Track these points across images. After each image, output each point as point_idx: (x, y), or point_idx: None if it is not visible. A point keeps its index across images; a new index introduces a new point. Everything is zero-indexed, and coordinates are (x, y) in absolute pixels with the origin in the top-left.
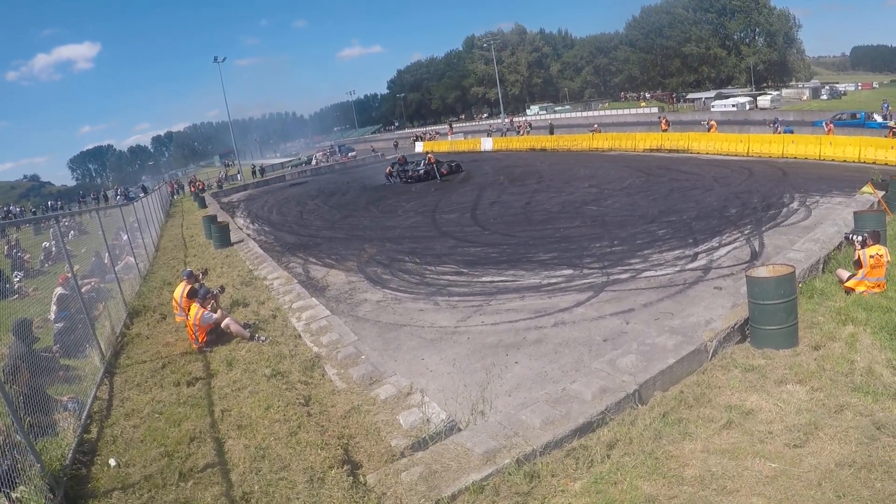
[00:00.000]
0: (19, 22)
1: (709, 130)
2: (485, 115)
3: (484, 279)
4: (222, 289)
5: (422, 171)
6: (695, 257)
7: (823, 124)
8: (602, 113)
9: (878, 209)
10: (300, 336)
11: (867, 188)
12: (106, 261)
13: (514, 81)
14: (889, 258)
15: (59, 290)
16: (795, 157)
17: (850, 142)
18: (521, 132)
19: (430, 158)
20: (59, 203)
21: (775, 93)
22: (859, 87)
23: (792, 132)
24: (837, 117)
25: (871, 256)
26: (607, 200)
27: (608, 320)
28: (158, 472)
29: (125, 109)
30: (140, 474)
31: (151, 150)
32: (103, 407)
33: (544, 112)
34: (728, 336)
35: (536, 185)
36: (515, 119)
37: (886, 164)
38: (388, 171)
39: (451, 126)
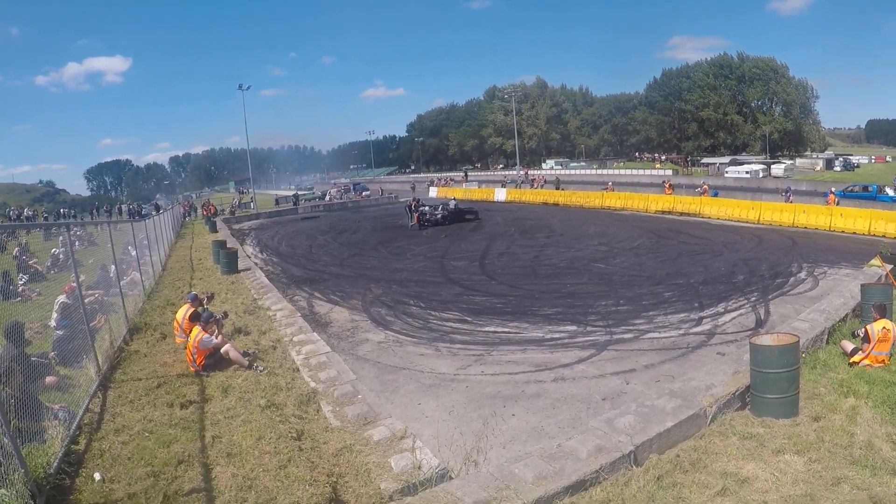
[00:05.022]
0: (54, 28)
1: (701, 195)
2: (500, 165)
3: (487, 329)
4: (225, 314)
5: (439, 217)
6: (699, 321)
7: (828, 194)
8: (616, 172)
9: (886, 282)
10: (298, 370)
11: (875, 261)
12: (112, 274)
13: (532, 135)
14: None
15: (62, 299)
16: (806, 227)
17: (861, 214)
18: (536, 185)
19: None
20: (72, 211)
21: (789, 162)
22: (873, 161)
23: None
24: (849, 189)
25: (880, 330)
26: (616, 259)
27: (608, 379)
28: (143, 492)
29: (147, 126)
30: (124, 492)
31: (168, 170)
32: (94, 420)
33: (559, 167)
34: (728, 402)
35: (546, 238)
36: (531, 172)
37: None
38: (410, 203)
39: (465, 174)
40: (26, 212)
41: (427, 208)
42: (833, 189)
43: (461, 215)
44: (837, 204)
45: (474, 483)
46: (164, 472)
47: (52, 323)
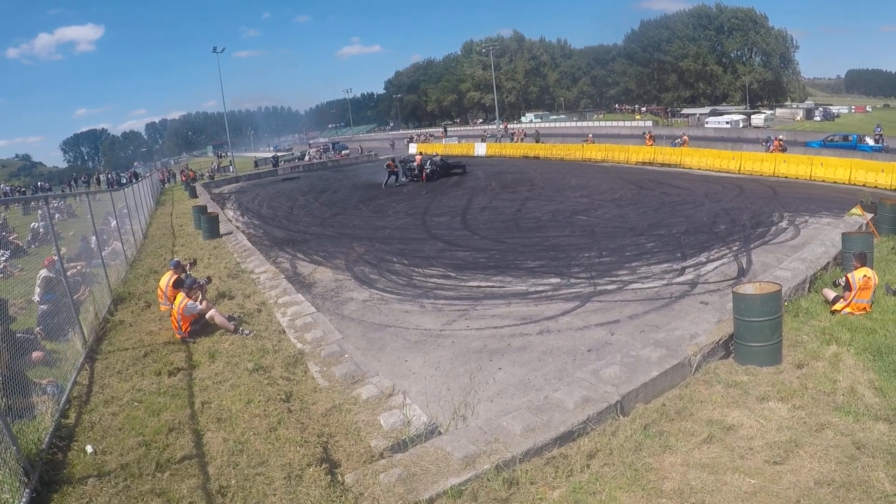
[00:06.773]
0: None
1: (681, 146)
2: (480, 120)
3: (471, 284)
4: (209, 279)
5: (428, 171)
6: (682, 271)
7: (773, 140)
8: (597, 124)
9: (866, 231)
10: (284, 331)
11: (856, 210)
12: (93, 245)
13: (511, 88)
14: (876, 280)
15: (43, 273)
16: (786, 177)
17: (841, 163)
18: (516, 139)
19: (417, 159)
20: (47, 184)
21: (769, 112)
22: (853, 110)
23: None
24: (829, 139)
25: (861, 279)
26: (598, 211)
27: (593, 330)
28: (135, 462)
29: (122, 94)
30: (117, 462)
31: (145, 137)
32: (83, 392)
33: (539, 120)
34: (712, 351)
35: (528, 192)
36: (510, 126)
37: (876, 186)
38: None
39: (445, 129)
40: (3, 186)
41: (416, 164)
42: (781, 137)
43: (448, 169)
44: (783, 150)
45: (463, 437)
46: (155, 441)
47: (36, 298)
